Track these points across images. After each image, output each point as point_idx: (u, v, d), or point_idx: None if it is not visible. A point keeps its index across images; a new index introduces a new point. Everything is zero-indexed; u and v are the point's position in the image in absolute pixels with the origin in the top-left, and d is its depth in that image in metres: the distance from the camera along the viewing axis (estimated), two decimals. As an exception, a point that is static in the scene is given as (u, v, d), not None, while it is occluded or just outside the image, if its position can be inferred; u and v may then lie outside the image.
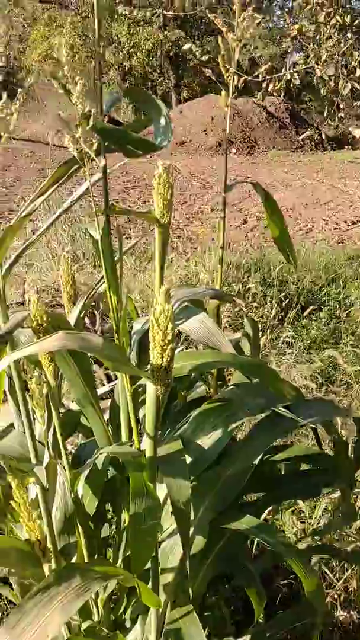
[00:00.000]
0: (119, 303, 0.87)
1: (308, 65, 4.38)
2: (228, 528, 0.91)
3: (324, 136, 12.19)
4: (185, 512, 0.80)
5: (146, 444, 0.82)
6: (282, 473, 1.02)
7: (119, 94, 0.89)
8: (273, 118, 14.64)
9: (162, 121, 0.86)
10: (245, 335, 1.05)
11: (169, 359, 0.76)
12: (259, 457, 0.91)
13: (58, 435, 0.89)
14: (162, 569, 0.95)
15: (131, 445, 0.95)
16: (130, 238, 5.50)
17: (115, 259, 0.90)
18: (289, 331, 3.66)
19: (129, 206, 8.54)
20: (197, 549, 0.93)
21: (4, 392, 1.11)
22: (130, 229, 6.84)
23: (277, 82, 4.50)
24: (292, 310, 3.91)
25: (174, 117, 14.67)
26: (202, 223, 7.54)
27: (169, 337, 0.75)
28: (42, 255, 4.49)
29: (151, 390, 0.79)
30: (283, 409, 0.86)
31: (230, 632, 1.14)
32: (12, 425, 1.11)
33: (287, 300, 4.16)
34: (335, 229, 7.67)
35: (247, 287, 4.31)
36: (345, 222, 7.98)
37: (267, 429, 0.92)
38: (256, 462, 0.90)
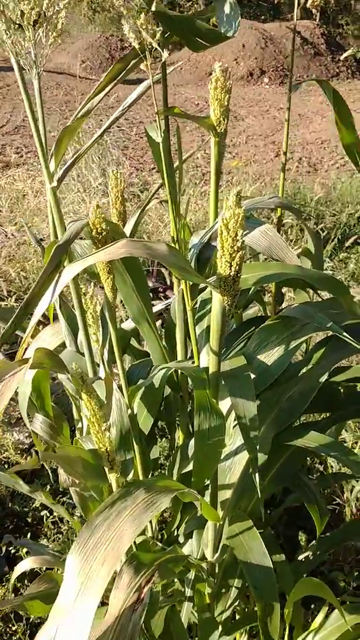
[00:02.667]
0: (178, 210, 0.83)
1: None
2: (291, 445, 0.89)
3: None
4: (251, 428, 0.77)
5: (210, 359, 0.79)
6: (344, 394, 0.99)
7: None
8: (307, 44, 13.91)
9: (227, 8, 0.78)
10: (305, 252, 1.00)
11: (237, 267, 0.72)
12: (325, 376, 0.87)
13: (115, 350, 0.87)
14: (221, 486, 0.95)
15: (192, 363, 0.93)
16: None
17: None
18: (328, 264, 3.57)
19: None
20: (259, 465, 0.91)
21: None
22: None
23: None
24: (329, 244, 3.80)
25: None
26: (235, 156, 7.32)
27: (239, 244, 0.70)
28: (73, 189, 4.42)
29: (217, 302, 0.75)
30: (346, 335, 0.82)
31: (280, 551, 1.14)
32: (63, 344, 1.10)
33: (325, 233, 4.05)
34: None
35: (283, 221, 4.19)
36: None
37: (335, 347, 0.89)
38: (322, 380, 0.87)
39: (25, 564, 1.16)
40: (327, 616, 1.06)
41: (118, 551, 0.69)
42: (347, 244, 3.60)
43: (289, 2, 18.09)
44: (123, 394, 0.93)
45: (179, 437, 1.07)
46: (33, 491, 1.25)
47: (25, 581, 1.57)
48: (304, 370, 0.90)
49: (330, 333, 0.93)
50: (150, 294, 2.97)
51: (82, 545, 0.70)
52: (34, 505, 1.77)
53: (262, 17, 16.82)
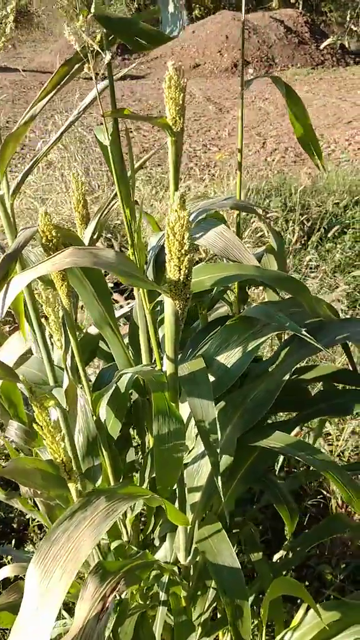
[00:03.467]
0: (132, 213, 0.81)
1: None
2: (256, 446, 0.88)
3: (346, 47, 11.51)
4: (211, 431, 0.77)
5: (166, 363, 0.78)
6: (311, 393, 0.99)
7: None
8: (291, 33, 13.84)
9: (171, 8, 0.77)
10: (269, 250, 0.99)
11: (186, 271, 0.71)
12: (288, 375, 0.86)
13: (76, 356, 0.86)
14: (189, 489, 0.94)
15: (153, 367, 0.92)
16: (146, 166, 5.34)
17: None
18: (313, 255, 3.56)
19: (143, 135, 8.28)
20: (224, 467, 0.90)
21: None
22: (145, 150, 6.65)
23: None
24: (315, 234, 3.79)
25: (186, 38, 13.98)
26: (220, 149, 7.30)
27: (186, 247, 0.69)
28: (57, 189, 4.40)
29: (169, 306, 0.74)
30: (306, 334, 0.81)
31: (259, 549, 1.14)
32: (29, 351, 1.09)
33: (310, 223, 4.04)
34: (359, 149, 7.36)
35: (268, 212, 4.18)
36: (371, 142, 7.65)
37: (298, 346, 0.88)
38: (285, 379, 0.86)
39: (3, 572, 1.15)
40: (306, 613, 1.06)
41: (75, 563, 0.68)
42: (330, 234, 3.59)
43: (272, -9, 18.00)
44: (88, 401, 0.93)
45: (149, 440, 1.06)
46: (9, 498, 1.24)
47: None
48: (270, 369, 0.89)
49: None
50: (115, 296, 2.93)
51: (42, 558, 0.69)
52: (18, 511, 1.77)
53: (246, 7, 16.73)
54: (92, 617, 0.71)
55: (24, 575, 1.21)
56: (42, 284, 1.00)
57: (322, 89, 11.28)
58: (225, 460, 0.90)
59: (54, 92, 0.75)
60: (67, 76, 0.75)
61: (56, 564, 0.68)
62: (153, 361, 0.97)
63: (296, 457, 0.82)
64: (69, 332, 0.86)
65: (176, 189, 0.90)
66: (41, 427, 0.69)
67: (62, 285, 0.81)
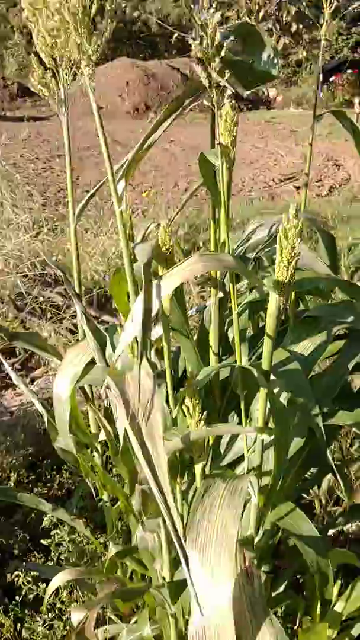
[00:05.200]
0: (226, 226, 0.94)
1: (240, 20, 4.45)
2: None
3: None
4: (309, 407, 0.90)
5: (265, 354, 0.90)
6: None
7: (226, 30, 0.94)
8: (188, 80, 14.59)
9: (269, 53, 0.92)
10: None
11: (293, 272, 0.85)
12: (350, 367, 1.02)
13: (166, 357, 0.96)
14: (261, 473, 1.06)
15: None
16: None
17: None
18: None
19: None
20: (295, 449, 1.03)
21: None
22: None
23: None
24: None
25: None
26: (135, 187, 7.52)
27: (296, 251, 0.83)
28: None
29: (273, 301, 0.87)
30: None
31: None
32: (92, 360, 1.17)
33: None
34: (264, 187, 7.89)
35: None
36: (273, 180, 8.22)
37: (355, 342, 1.04)
38: (350, 369, 1.01)
39: (61, 577, 1.19)
40: (353, 587, 1.19)
41: (230, 539, 0.76)
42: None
43: (164, 40, 18.91)
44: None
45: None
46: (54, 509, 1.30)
47: (26, 610, 1.57)
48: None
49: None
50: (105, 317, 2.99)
51: (194, 540, 0.76)
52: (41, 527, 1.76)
53: (141, 54, 17.43)
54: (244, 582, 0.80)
55: (78, 578, 1.25)
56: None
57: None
58: (296, 443, 1.03)
59: (168, 122, 0.88)
60: (180, 108, 0.88)
61: (210, 540, 0.76)
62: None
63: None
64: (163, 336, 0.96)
65: (227, 214, 1.04)
66: (188, 408, 0.79)
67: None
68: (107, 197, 6.42)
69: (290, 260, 0.84)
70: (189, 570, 0.72)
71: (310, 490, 1.96)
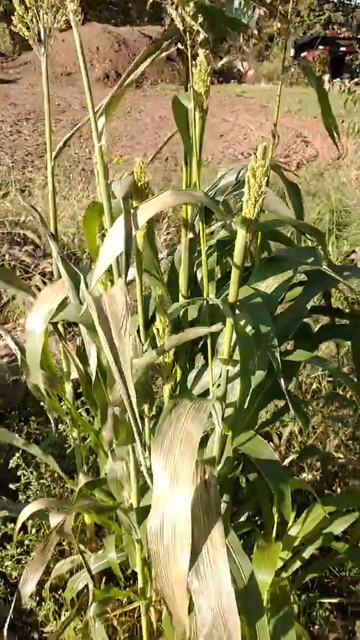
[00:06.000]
0: (199, 168, 0.99)
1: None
2: (282, 361, 1.10)
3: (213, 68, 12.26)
4: (270, 339, 0.97)
5: (231, 290, 0.97)
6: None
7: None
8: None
9: (240, 1, 0.97)
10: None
11: (259, 209, 0.91)
12: (310, 304, 1.09)
13: (138, 291, 1.02)
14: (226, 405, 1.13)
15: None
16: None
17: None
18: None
19: (25, 139, 8.22)
20: (257, 382, 1.11)
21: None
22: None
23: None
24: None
25: (56, 47, 13.99)
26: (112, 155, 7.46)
27: (263, 189, 0.89)
28: None
29: (240, 238, 0.93)
30: (327, 268, 1.05)
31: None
32: (66, 298, 1.22)
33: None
34: (233, 160, 7.92)
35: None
36: (242, 154, 8.26)
37: (314, 284, 1.11)
38: (308, 306, 1.09)
39: (31, 507, 1.25)
40: (307, 514, 1.28)
41: (192, 445, 0.83)
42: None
43: (136, 7, 18.54)
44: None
45: (177, 372, 1.24)
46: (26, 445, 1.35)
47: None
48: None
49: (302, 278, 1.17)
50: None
51: (159, 447, 0.83)
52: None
53: (113, 20, 17.09)
54: (200, 487, 0.87)
55: (50, 508, 1.32)
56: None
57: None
58: (258, 375, 1.11)
59: (147, 62, 0.92)
60: (157, 53, 0.92)
61: (174, 449, 0.83)
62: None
63: (315, 364, 1.05)
64: (136, 272, 1.01)
65: (199, 160, 1.10)
66: (158, 330, 0.85)
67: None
68: (77, 161, 6.37)
69: (257, 198, 0.90)
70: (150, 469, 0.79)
71: (271, 443, 2.07)
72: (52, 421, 1.29)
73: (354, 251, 3.49)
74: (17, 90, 11.66)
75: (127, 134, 8.91)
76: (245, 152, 8.38)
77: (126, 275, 0.80)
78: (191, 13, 0.86)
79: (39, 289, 1.96)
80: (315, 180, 6.51)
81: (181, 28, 0.88)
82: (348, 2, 30.15)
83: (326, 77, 11.59)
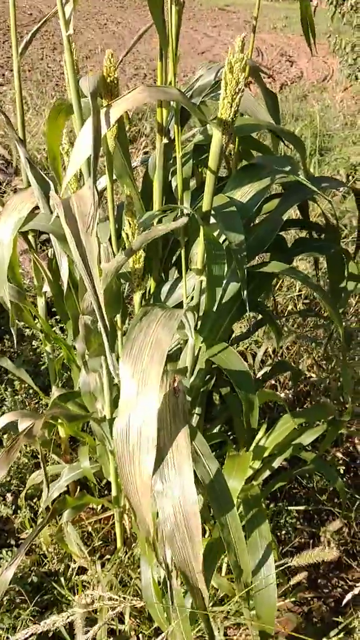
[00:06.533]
0: (175, 64, 0.93)
1: None
2: (255, 274, 1.09)
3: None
4: (240, 251, 0.95)
5: (205, 198, 0.93)
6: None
7: None
8: None
9: None
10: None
11: (236, 108, 0.87)
12: (286, 216, 1.07)
13: (109, 191, 0.97)
14: (198, 317, 1.12)
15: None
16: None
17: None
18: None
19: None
20: (231, 294, 1.10)
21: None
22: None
23: None
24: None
25: None
26: (87, 72, 7.11)
27: (241, 86, 0.84)
28: None
29: (216, 140, 0.89)
30: (303, 178, 1.01)
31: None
32: (37, 207, 1.17)
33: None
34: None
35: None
36: (224, 72, 7.93)
37: (289, 194, 1.08)
38: (284, 218, 1.06)
39: (4, 419, 1.25)
40: (275, 426, 1.31)
41: (161, 351, 0.82)
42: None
43: None
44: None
45: (151, 284, 1.22)
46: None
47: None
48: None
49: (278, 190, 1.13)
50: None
51: (128, 353, 0.81)
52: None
53: None
54: (169, 394, 0.87)
55: (20, 420, 1.33)
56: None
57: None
58: (233, 287, 1.09)
59: None
60: None
61: (143, 355, 0.81)
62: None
63: (291, 277, 1.04)
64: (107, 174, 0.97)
65: (175, 55, 1.03)
66: (127, 235, 0.83)
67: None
68: (50, 76, 6.06)
69: (234, 96, 0.85)
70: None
71: (245, 362, 2.10)
72: (14, 335, 1.27)
73: (337, 173, 3.42)
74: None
75: (103, 47, 8.46)
76: (228, 70, 8.05)
77: (95, 176, 0.76)
78: None
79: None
80: (298, 102, 6.32)
81: None
82: None
83: (314, -9, 11.03)
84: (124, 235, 0.88)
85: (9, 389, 1.85)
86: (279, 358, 2.12)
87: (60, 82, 6.05)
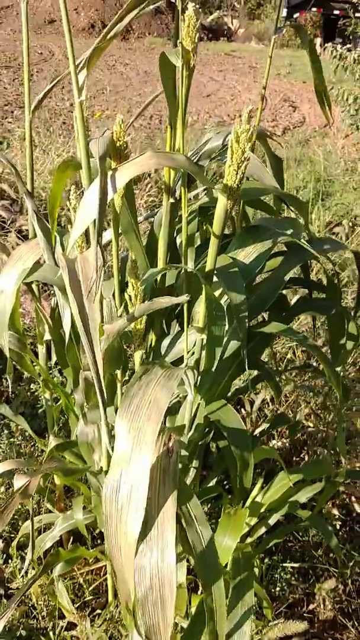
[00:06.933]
0: (182, 133, 0.96)
1: None
2: (256, 334, 1.10)
3: (202, 23, 11.97)
4: (242, 311, 0.96)
5: (209, 257, 0.95)
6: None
7: None
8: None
9: None
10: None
11: (242, 176, 0.89)
12: (289, 275, 1.08)
13: (114, 253, 0.99)
14: (201, 372, 1.13)
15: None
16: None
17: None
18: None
19: (4, 88, 7.95)
20: (231, 351, 1.10)
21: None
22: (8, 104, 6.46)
23: None
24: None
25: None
26: (95, 109, 7.27)
27: (246, 155, 0.87)
28: None
29: (221, 205, 0.91)
30: (304, 242, 1.04)
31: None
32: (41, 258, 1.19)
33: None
34: (219, 122, 7.77)
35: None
36: (229, 115, 8.11)
37: (293, 256, 1.10)
38: (287, 278, 1.08)
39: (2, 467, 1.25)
40: (272, 482, 1.30)
41: (159, 411, 0.82)
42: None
43: None
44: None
45: (152, 339, 1.23)
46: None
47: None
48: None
49: (281, 247, 1.15)
50: None
51: (126, 410, 0.82)
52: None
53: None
54: (162, 455, 0.87)
55: (19, 468, 1.32)
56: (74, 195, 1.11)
57: (180, 61, 11.58)
58: (233, 345, 1.10)
59: (132, 15, 0.88)
60: (144, 4, 0.87)
61: (140, 413, 0.82)
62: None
63: (289, 336, 1.05)
64: (112, 234, 0.99)
65: (183, 122, 1.06)
66: (130, 296, 0.84)
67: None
68: (58, 113, 6.18)
69: (240, 165, 0.88)
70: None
71: (243, 409, 2.09)
72: (9, 381, 1.28)
73: (339, 223, 3.47)
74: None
75: (111, 87, 8.67)
76: (232, 113, 8.23)
77: (100, 239, 0.78)
78: None
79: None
80: (300, 146, 6.44)
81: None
82: None
83: (317, 41, 11.37)
84: (126, 296, 0.89)
85: (5, 431, 1.84)
86: (277, 406, 2.12)
87: (67, 120, 6.17)
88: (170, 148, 1.01)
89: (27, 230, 2.88)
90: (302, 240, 1.05)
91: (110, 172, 0.83)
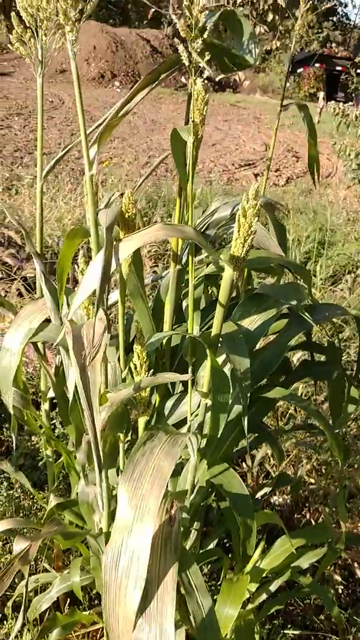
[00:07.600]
0: (191, 204, 0.99)
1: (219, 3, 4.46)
2: (259, 398, 1.10)
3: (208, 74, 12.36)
4: (245, 379, 0.97)
5: (215, 324, 0.97)
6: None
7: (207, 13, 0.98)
8: (157, 53, 14.42)
9: (247, 39, 0.97)
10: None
11: (248, 248, 0.91)
12: (293, 341, 1.10)
13: (120, 318, 1.01)
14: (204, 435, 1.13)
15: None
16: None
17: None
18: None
19: (15, 134, 8.16)
20: (235, 414, 1.11)
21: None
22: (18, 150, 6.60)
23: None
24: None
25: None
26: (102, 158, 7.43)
27: (253, 229, 0.89)
28: None
29: (227, 275, 0.93)
30: (305, 314, 1.06)
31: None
32: (48, 319, 1.20)
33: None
34: (224, 171, 7.94)
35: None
36: (233, 164, 8.29)
37: (295, 324, 1.12)
38: (290, 344, 1.09)
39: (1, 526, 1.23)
40: (274, 546, 1.28)
41: (163, 478, 0.82)
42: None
43: (136, 9, 18.55)
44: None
45: (156, 399, 1.23)
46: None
47: None
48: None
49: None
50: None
51: (129, 477, 0.82)
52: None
53: (111, 20, 17.06)
54: (165, 523, 0.87)
55: (18, 528, 1.31)
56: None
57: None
58: (236, 409, 1.11)
59: (146, 91, 0.92)
60: (157, 82, 0.92)
61: (143, 480, 0.82)
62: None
63: (291, 402, 1.05)
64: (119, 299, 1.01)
65: (191, 188, 1.10)
66: (135, 365, 0.85)
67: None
68: (66, 161, 6.31)
69: (247, 238, 0.91)
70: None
71: (243, 464, 2.08)
72: (12, 437, 1.28)
73: (342, 277, 3.51)
74: (11, 84, 11.57)
75: (118, 135, 8.88)
76: (236, 162, 8.42)
77: (104, 307, 0.80)
78: (199, 50, 0.86)
79: (21, 295, 1.91)
80: (303, 196, 6.56)
81: (186, 63, 0.88)
82: (347, 22, 30.59)
83: (321, 95, 11.71)
84: (131, 365, 0.90)
85: (5, 484, 1.82)
86: (278, 462, 2.10)
87: (75, 167, 6.31)
88: (180, 219, 1.04)
89: (32, 278, 2.93)
90: (304, 311, 1.07)
91: (119, 241, 0.85)
